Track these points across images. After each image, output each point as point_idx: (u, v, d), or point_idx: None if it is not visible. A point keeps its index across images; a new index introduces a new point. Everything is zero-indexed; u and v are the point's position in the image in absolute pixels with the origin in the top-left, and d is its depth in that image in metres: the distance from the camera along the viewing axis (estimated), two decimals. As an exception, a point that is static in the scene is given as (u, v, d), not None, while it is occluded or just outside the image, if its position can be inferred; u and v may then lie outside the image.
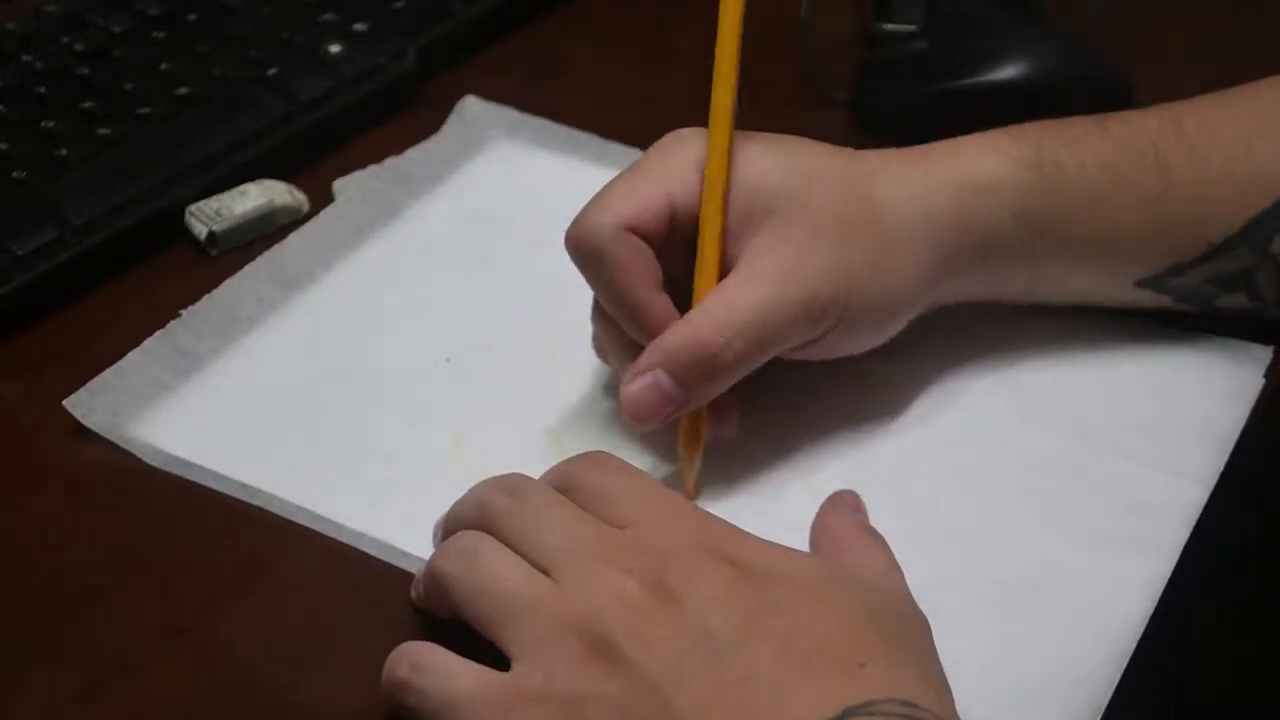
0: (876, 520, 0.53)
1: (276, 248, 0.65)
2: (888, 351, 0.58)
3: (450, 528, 0.51)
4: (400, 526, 0.54)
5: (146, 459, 0.56)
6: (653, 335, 0.54)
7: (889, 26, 0.74)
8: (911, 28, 0.73)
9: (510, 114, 0.73)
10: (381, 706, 0.48)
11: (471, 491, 0.51)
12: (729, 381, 0.54)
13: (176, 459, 0.56)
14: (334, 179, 0.69)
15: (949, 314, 0.62)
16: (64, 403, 0.57)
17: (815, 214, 0.54)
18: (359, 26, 0.75)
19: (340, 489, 0.56)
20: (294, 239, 0.66)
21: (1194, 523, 0.54)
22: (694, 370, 0.53)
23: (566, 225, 0.67)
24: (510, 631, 0.46)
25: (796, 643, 0.44)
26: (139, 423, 0.58)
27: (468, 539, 0.49)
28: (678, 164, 0.55)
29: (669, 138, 0.57)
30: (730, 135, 0.55)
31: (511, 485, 0.50)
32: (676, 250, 0.55)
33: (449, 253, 0.66)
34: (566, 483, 0.50)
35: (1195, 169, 0.57)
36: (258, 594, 0.53)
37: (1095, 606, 0.51)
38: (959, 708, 0.45)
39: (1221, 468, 0.56)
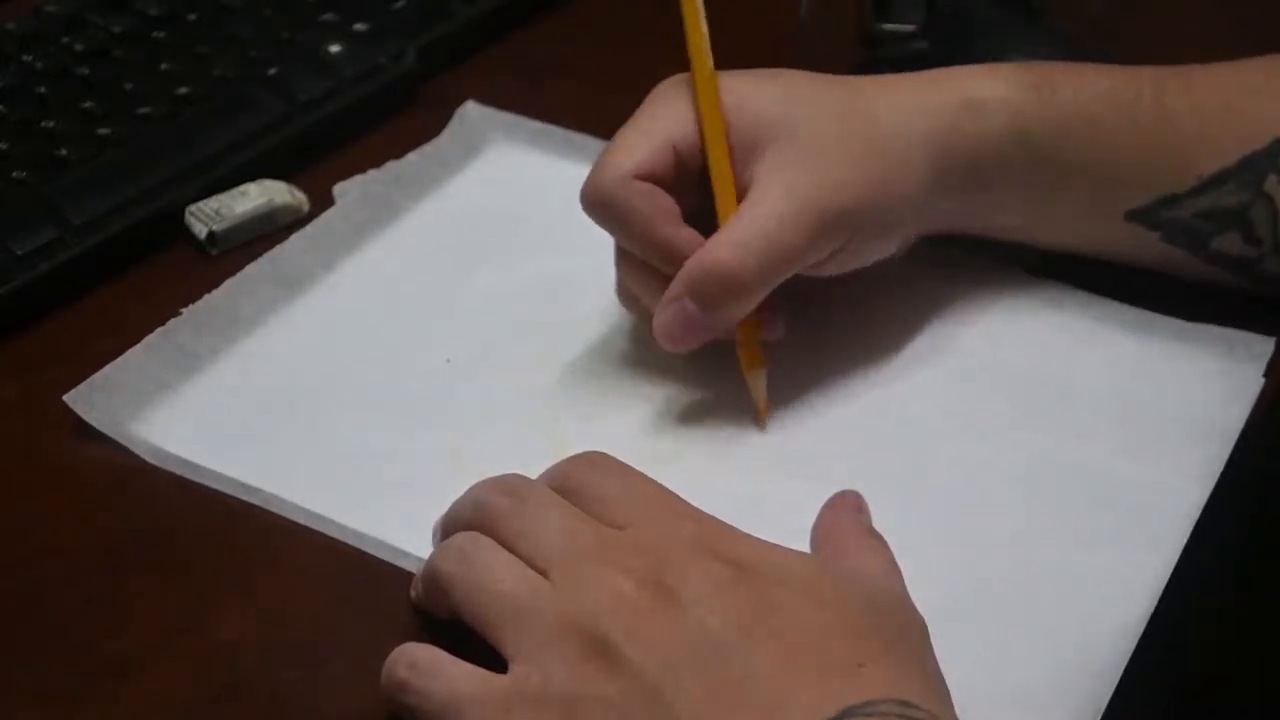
0: (876, 519, 0.53)
1: (277, 248, 0.65)
2: (884, 348, 0.59)
3: (448, 528, 0.51)
4: (400, 526, 0.54)
5: (147, 458, 0.56)
6: (681, 265, 0.56)
7: (889, 26, 0.74)
8: (911, 28, 0.73)
9: (509, 118, 0.73)
10: (382, 706, 0.48)
11: (469, 492, 0.51)
12: (753, 300, 0.56)
13: (177, 458, 0.56)
14: (334, 179, 0.69)
15: (948, 313, 0.62)
16: (64, 397, 0.57)
17: (817, 132, 0.56)
18: (359, 26, 0.75)
19: (340, 489, 0.56)
20: (295, 240, 0.66)
21: (1194, 522, 0.54)
22: (715, 291, 0.55)
23: (566, 227, 0.67)
24: (508, 632, 0.46)
25: (794, 643, 0.44)
26: (139, 421, 0.58)
27: (466, 539, 0.49)
28: (671, 108, 0.58)
29: (656, 89, 0.59)
30: (713, 73, 0.58)
31: (509, 486, 0.50)
32: (689, 189, 0.57)
33: (449, 254, 0.66)
34: (564, 484, 0.50)
35: (1192, 104, 0.59)
36: (258, 594, 0.53)
37: (1095, 606, 0.51)
38: (959, 708, 0.45)
39: (1222, 466, 0.56)
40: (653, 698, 0.43)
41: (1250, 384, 0.59)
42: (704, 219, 0.57)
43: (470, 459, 0.57)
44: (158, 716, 0.49)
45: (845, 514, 0.53)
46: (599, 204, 0.57)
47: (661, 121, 0.58)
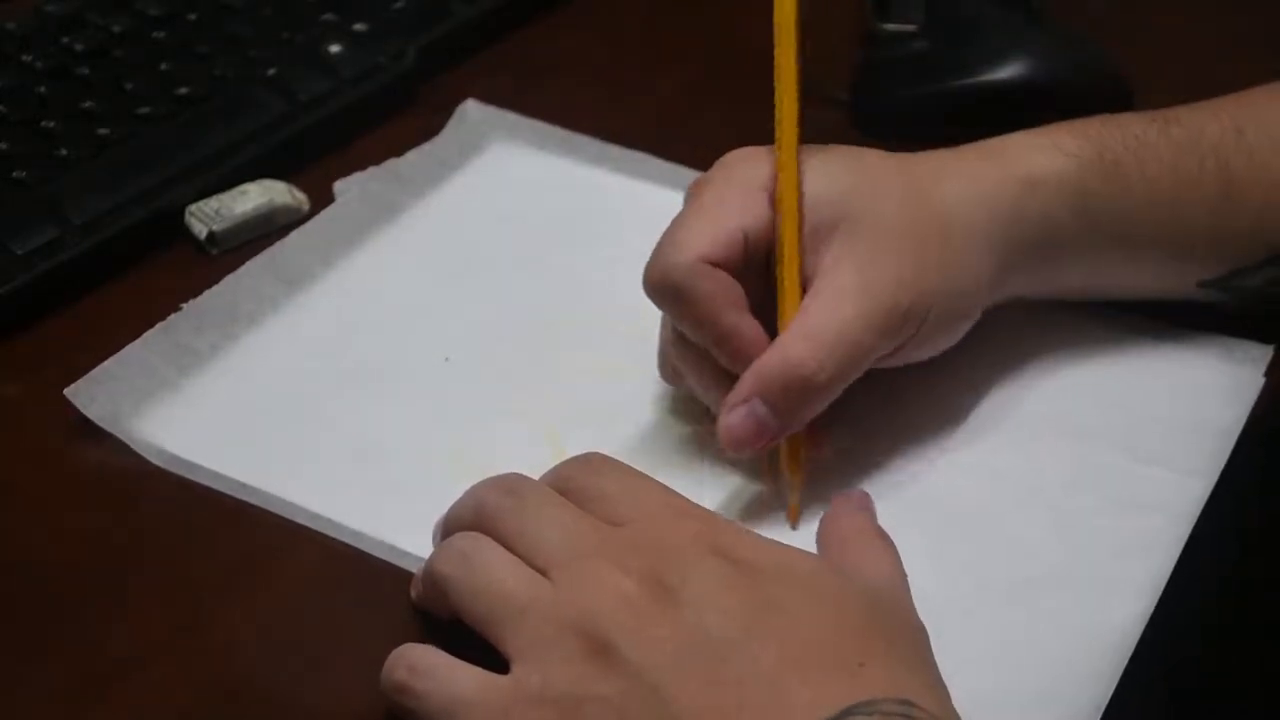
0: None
1: (277, 245, 0.65)
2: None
3: (449, 528, 0.51)
4: (400, 526, 0.54)
5: (146, 455, 0.56)
6: (746, 359, 0.53)
7: (889, 26, 0.74)
8: (911, 28, 0.73)
9: (510, 117, 0.73)
10: (382, 706, 0.48)
11: (469, 492, 0.51)
12: (824, 403, 0.54)
13: (177, 457, 0.56)
14: (334, 179, 0.69)
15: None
16: (65, 391, 0.57)
17: (883, 223, 0.54)
18: (359, 26, 0.75)
19: (340, 488, 0.56)
20: (295, 237, 0.66)
21: (1195, 521, 0.54)
22: (790, 396, 0.53)
23: (565, 226, 0.67)
24: (508, 632, 0.46)
25: (795, 641, 0.44)
26: (139, 419, 0.58)
27: (466, 540, 0.49)
28: (744, 190, 0.55)
29: (730, 159, 0.57)
30: (798, 160, 0.55)
31: (509, 485, 0.50)
32: (751, 276, 0.55)
33: (449, 253, 0.66)
34: (564, 484, 0.50)
35: (1255, 173, 0.58)
36: (258, 594, 0.52)
37: (1095, 606, 0.51)
38: (959, 707, 0.45)
39: (1222, 467, 0.56)
40: (652, 697, 0.43)
41: (1250, 384, 0.59)
42: (759, 310, 0.55)
43: (470, 459, 0.57)
44: (158, 716, 0.49)
45: (852, 513, 0.53)
46: (665, 287, 0.54)
47: (731, 207, 0.55)
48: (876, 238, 0.54)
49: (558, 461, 0.52)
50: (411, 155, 0.70)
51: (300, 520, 0.54)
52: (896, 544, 0.51)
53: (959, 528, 0.54)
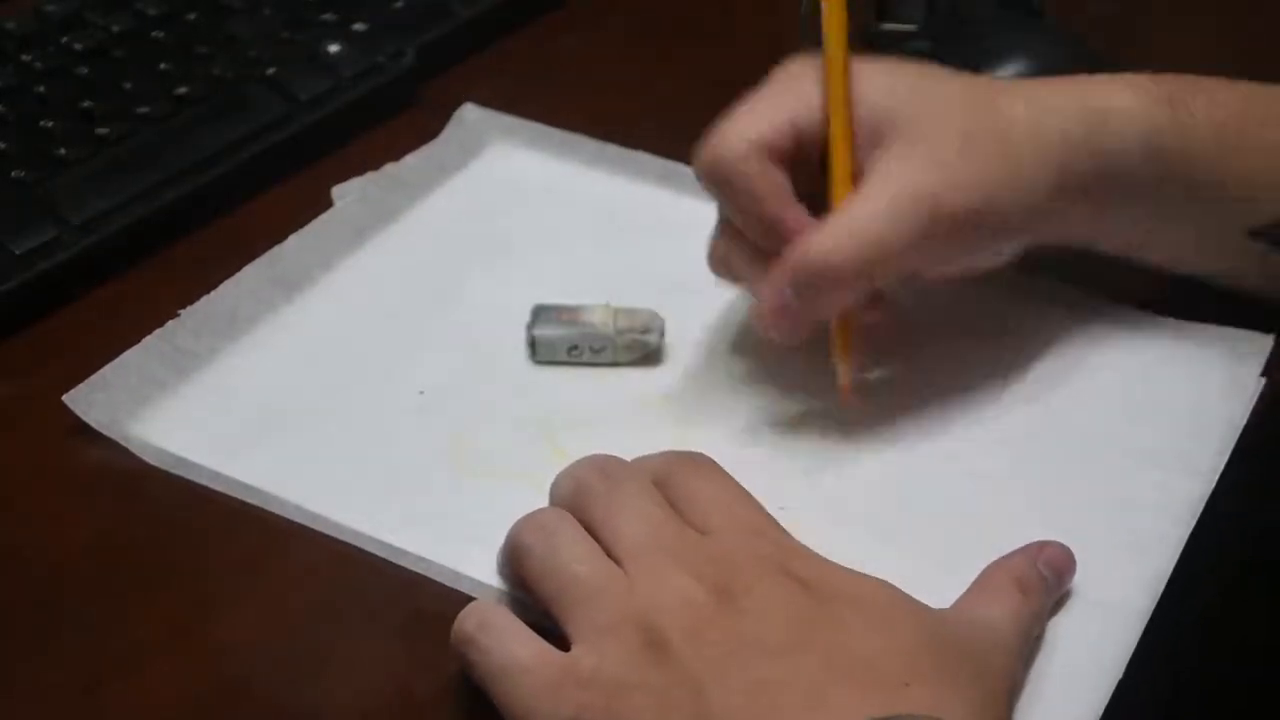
0: (873, 518, 0.54)
1: (276, 249, 0.65)
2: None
3: (551, 498, 0.52)
4: (400, 526, 0.54)
5: (146, 458, 0.56)
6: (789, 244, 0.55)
7: (889, 26, 0.74)
8: (912, 28, 0.73)
9: (508, 119, 0.73)
10: (382, 706, 0.48)
11: (574, 466, 0.52)
12: (851, 292, 0.55)
13: (176, 458, 0.56)
14: (333, 179, 0.69)
15: (946, 312, 0.62)
16: (64, 398, 0.57)
17: (941, 127, 0.55)
18: (359, 26, 0.75)
19: (340, 489, 0.56)
20: (293, 241, 0.66)
21: (1195, 520, 0.54)
22: (814, 281, 0.54)
23: (565, 228, 0.67)
24: (574, 614, 0.47)
25: (844, 656, 0.45)
26: (138, 421, 0.58)
27: (550, 516, 0.50)
28: (797, 86, 0.56)
29: (785, 66, 0.58)
30: (848, 57, 0.56)
31: (609, 469, 0.51)
32: (803, 171, 0.56)
33: (448, 255, 0.66)
34: (664, 476, 0.51)
35: None
36: (258, 594, 0.52)
37: (1095, 605, 0.51)
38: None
39: (1223, 465, 0.56)
40: (694, 689, 0.44)
41: (1250, 378, 0.59)
42: (815, 204, 0.56)
43: (470, 459, 0.57)
44: (158, 716, 0.49)
45: (1022, 556, 0.51)
46: (713, 170, 0.56)
47: (785, 98, 0.56)
48: (933, 142, 0.54)
49: (557, 461, 0.53)
50: (410, 159, 0.70)
51: (300, 520, 0.54)
52: (892, 541, 0.52)
53: (956, 527, 0.54)
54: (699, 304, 0.62)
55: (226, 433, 0.58)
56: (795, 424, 0.58)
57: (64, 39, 0.73)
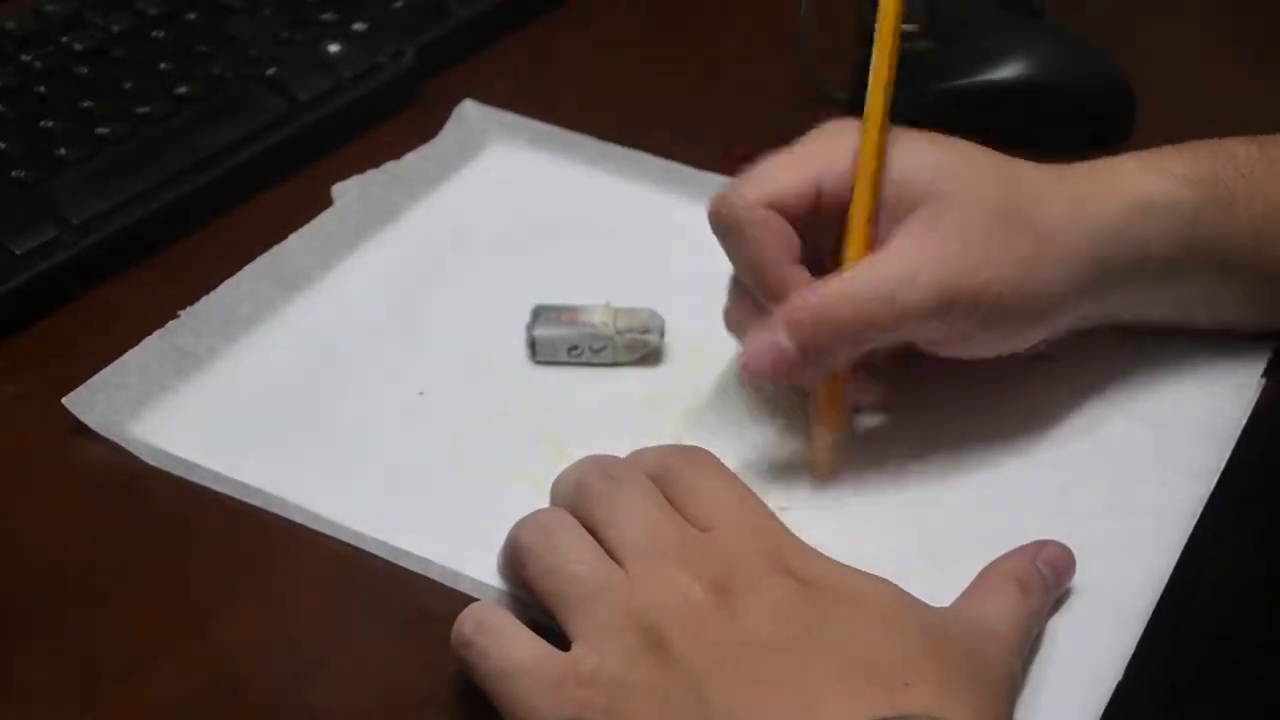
0: (870, 519, 0.54)
1: (276, 249, 0.65)
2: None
3: (553, 498, 0.52)
4: (400, 526, 0.54)
5: (146, 459, 0.56)
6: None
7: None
8: (912, 27, 0.73)
9: (508, 117, 0.73)
10: (382, 706, 0.48)
11: (575, 466, 0.52)
12: (847, 351, 0.53)
13: (176, 459, 0.56)
14: (333, 178, 0.69)
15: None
16: (63, 400, 0.57)
17: (969, 208, 0.54)
18: (359, 26, 0.75)
19: (340, 489, 0.56)
20: (293, 240, 0.65)
21: (1194, 522, 0.54)
22: (811, 331, 0.52)
23: (564, 227, 0.67)
24: (574, 614, 0.47)
25: (844, 656, 0.45)
26: (138, 422, 0.58)
27: (551, 516, 0.50)
28: (831, 148, 0.55)
29: (826, 125, 0.57)
30: (885, 126, 0.55)
31: (610, 469, 0.51)
32: (822, 233, 0.55)
33: (448, 254, 0.66)
34: (663, 472, 0.51)
35: None
36: (258, 594, 0.52)
37: (1095, 606, 0.51)
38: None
39: (1223, 465, 0.56)
40: (693, 689, 0.44)
41: (1249, 383, 0.59)
42: (827, 270, 0.55)
43: (470, 459, 0.57)
44: (158, 716, 0.49)
45: (1020, 554, 0.51)
46: (722, 219, 0.55)
47: (815, 159, 0.55)
48: (955, 219, 0.53)
49: (557, 461, 0.53)
50: (410, 157, 0.70)
51: (300, 520, 0.54)
52: (893, 541, 0.52)
53: (957, 527, 0.54)
54: (699, 304, 0.62)
55: (226, 433, 0.58)
56: (796, 424, 0.58)
57: (64, 39, 0.73)
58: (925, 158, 0.55)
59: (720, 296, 0.61)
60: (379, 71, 0.73)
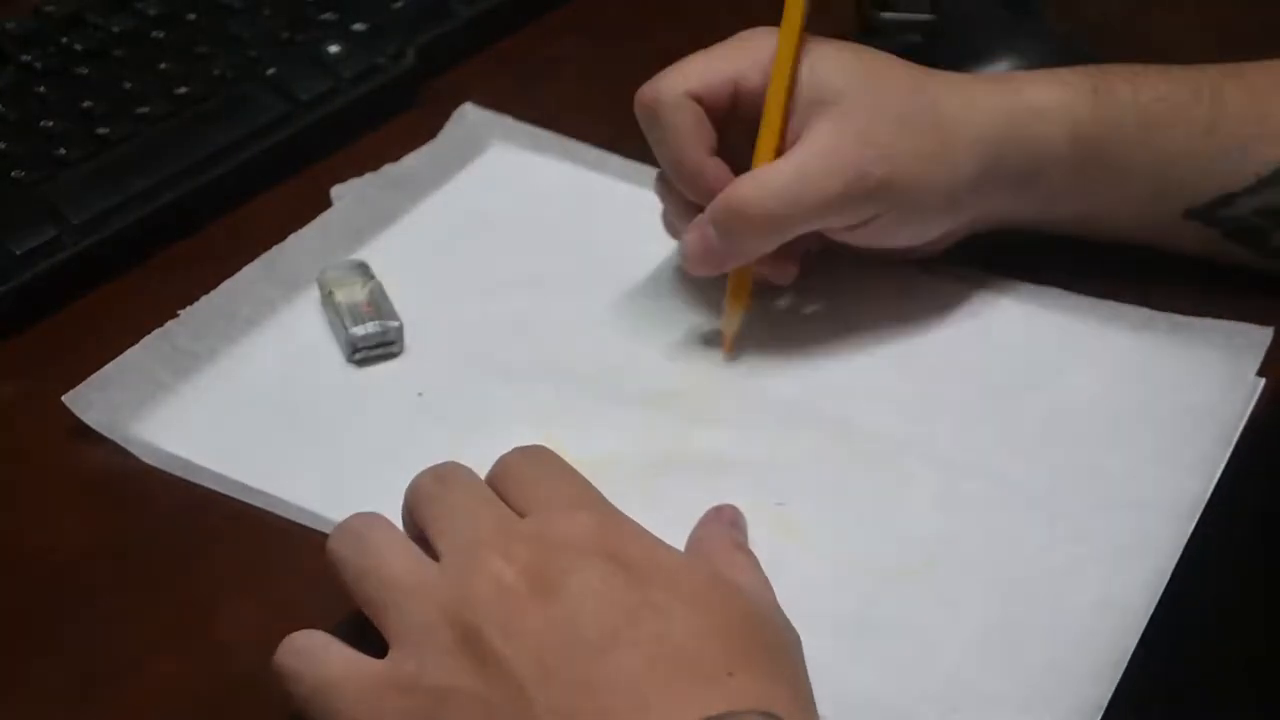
0: (868, 519, 0.54)
1: (275, 249, 0.65)
2: (877, 347, 0.60)
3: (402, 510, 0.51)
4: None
5: (146, 459, 0.56)
6: (707, 194, 0.58)
7: (889, 15, 0.74)
8: (912, 17, 0.73)
9: (507, 121, 0.73)
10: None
11: (416, 475, 0.51)
12: (769, 240, 0.58)
13: (176, 459, 0.56)
14: (333, 179, 0.69)
15: (944, 316, 0.62)
16: (63, 398, 0.57)
17: (877, 106, 0.58)
18: (359, 26, 0.75)
19: (339, 489, 0.56)
20: (292, 241, 0.66)
21: (1195, 518, 0.54)
22: (735, 225, 0.58)
23: (563, 229, 0.67)
24: (389, 617, 0.46)
25: (666, 648, 0.43)
26: (138, 421, 0.58)
27: (361, 521, 0.49)
28: (750, 49, 0.60)
29: (745, 31, 0.61)
30: (803, 31, 0.59)
31: (442, 473, 0.50)
32: (736, 129, 0.59)
33: (446, 256, 0.66)
34: (500, 470, 0.50)
35: (1250, 104, 0.60)
36: (258, 594, 0.52)
37: (1096, 604, 0.51)
38: (959, 706, 0.45)
39: (1224, 462, 0.56)
40: (518, 696, 0.43)
41: (1249, 373, 0.59)
42: (740, 163, 0.59)
43: (469, 460, 0.57)
44: (159, 716, 0.49)
45: (718, 527, 0.52)
46: (647, 110, 0.59)
47: (733, 58, 0.60)
48: (864, 116, 0.58)
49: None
50: (409, 159, 0.70)
51: (300, 520, 0.54)
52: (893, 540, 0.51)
53: (957, 525, 0.54)
54: (699, 304, 0.62)
55: (226, 433, 0.58)
56: (796, 423, 0.58)
57: (64, 39, 0.73)
58: (839, 62, 0.59)
59: (720, 298, 0.62)
60: (379, 72, 0.73)
